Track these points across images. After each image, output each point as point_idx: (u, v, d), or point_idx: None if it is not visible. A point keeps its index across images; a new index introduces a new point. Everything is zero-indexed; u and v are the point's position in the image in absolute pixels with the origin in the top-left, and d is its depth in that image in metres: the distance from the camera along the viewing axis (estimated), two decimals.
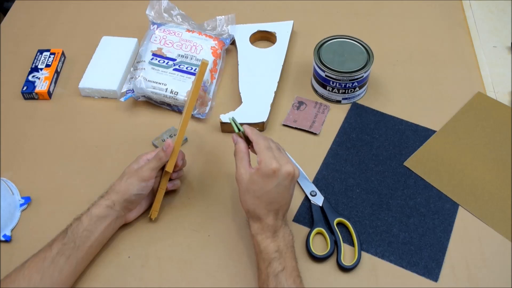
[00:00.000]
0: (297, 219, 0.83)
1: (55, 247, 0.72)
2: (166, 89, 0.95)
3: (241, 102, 0.96)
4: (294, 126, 0.95)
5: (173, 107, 0.97)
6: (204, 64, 0.76)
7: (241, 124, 0.77)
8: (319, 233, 0.81)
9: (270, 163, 0.70)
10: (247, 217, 0.75)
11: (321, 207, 0.84)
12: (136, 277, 0.77)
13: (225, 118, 0.93)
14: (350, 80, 0.95)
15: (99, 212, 0.76)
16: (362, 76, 0.95)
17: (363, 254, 0.79)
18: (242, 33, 1.08)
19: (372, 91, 1.01)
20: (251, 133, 0.74)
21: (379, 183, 0.87)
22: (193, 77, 0.97)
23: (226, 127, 0.93)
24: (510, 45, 1.09)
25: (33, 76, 1.01)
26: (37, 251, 0.73)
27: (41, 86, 1.00)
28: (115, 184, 0.79)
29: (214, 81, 1.01)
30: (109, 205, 0.77)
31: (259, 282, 0.72)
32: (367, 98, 1.00)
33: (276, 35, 1.08)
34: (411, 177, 0.88)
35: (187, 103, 0.80)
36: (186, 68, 0.99)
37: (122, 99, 0.96)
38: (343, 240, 0.80)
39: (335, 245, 0.79)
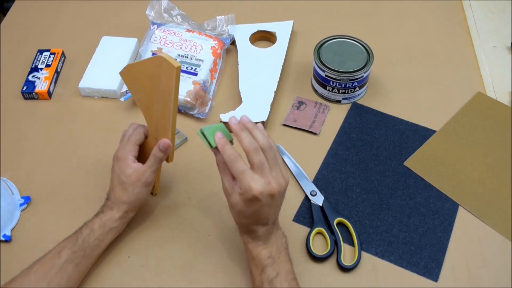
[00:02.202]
0: (297, 219, 0.83)
1: (64, 255, 0.71)
2: None
3: (241, 102, 0.96)
4: (294, 126, 0.95)
5: None
6: (178, 68, 0.70)
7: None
8: (319, 233, 0.81)
9: (250, 189, 0.65)
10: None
11: (321, 207, 0.84)
12: (136, 277, 0.77)
13: (225, 117, 0.93)
14: (350, 80, 0.95)
15: (112, 224, 0.76)
16: (362, 76, 0.95)
17: (363, 254, 0.79)
18: (242, 33, 1.08)
19: (372, 91, 1.01)
20: (222, 151, 0.68)
21: (379, 183, 0.87)
22: (193, 77, 0.97)
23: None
24: (510, 45, 1.09)
25: (33, 76, 1.01)
26: (45, 255, 0.72)
27: (41, 86, 1.00)
28: (120, 195, 0.76)
29: (214, 81, 1.01)
30: (122, 216, 0.77)
31: (253, 287, 0.71)
32: (367, 98, 1.00)
33: (276, 35, 1.08)
34: (411, 177, 0.88)
35: (169, 102, 0.74)
36: (186, 68, 0.99)
37: (122, 99, 0.96)
38: (343, 240, 0.80)
39: (335, 245, 0.79)
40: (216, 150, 0.70)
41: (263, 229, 0.70)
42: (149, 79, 0.74)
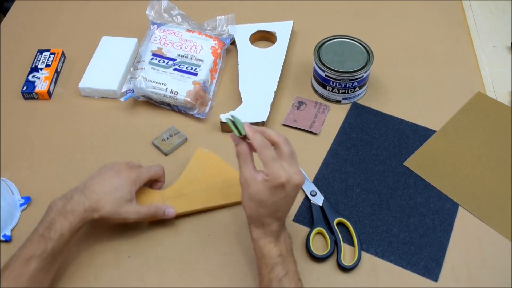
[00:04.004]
0: (297, 219, 0.83)
1: (33, 263, 0.68)
2: (166, 89, 0.95)
3: (241, 102, 0.96)
4: (294, 126, 0.95)
5: (173, 107, 0.97)
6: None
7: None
8: (319, 233, 0.81)
9: (279, 175, 0.66)
10: (248, 221, 0.73)
11: (321, 207, 0.84)
12: (136, 277, 0.77)
13: (225, 118, 0.93)
14: (350, 80, 0.95)
15: (82, 226, 0.73)
16: (362, 76, 0.95)
17: (363, 254, 0.79)
18: (242, 33, 1.08)
19: (372, 91, 1.01)
20: (253, 138, 0.68)
21: (379, 183, 0.87)
22: (193, 77, 0.97)
23: (226, 127, 0.93)
24: (510, 45, 1.09)
25: (33, 76, 1.01)
26: (9, 264, 0.68)
27: (41, 86, 1.00)
28: (103, 208, 0.74)
29: (214, 81, 1.01)
30: (91, 220, 0.74)
31: (260, 286, 0.71)
32: (367, 98, 1.00)
33: (276, 35, 1.08)
34: (411, 177, 0.88)
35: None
36: (186, 68, 0.99)
37: (122, 99, 0.96)
38: (343, 240, 0.80)
39: (335, 245, 0.79)
40: (240, 139, 0.70)
41: (277, 224, 0.70)
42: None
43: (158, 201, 0.81)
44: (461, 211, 0.84)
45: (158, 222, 0.82)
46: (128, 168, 0.78)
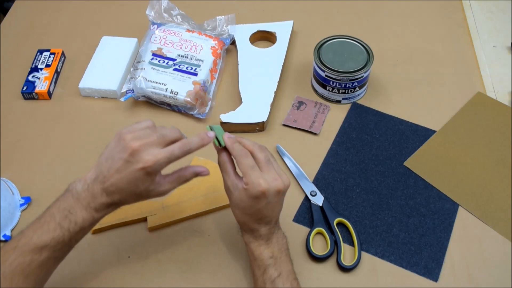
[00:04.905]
0: (297, 219, 0.83)
1: (45, 252, 0.64)
2: (166, 89, 0.95)
3: (241, 102, 0.96)
4: (294, 126, 0.95)
5: (173, 107, 0.97)
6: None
7: (225, 125, 0.72)
8: (319, 233, 0.81)
9: (258, 184, 0.65)
10: (239, 225, 0.73)
11: (321, 207, 0.84)
12: (136, 277, 0.77)
13: (225, 118, 0.93)
14: (350, 80, 0.95)
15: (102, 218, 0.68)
16: (362, 76, 0.95)
17: (363, 254, 0.79)
18: (242, 33, 1.08)
19: (372, 91, 1.01)
20: (231, 148, 0.68)
21: (379, 183, 0.87)
22: (193, 77, 0.97)
23: (226, 127, 0.93)
24: (510, 45, 1.09)
25: (33, 76, 1.01)
26: (16, 245, 0.63)
27: (41, 86, 1.00)
28: (124, 200, 0.67)
29: (214, 81, 1.01)
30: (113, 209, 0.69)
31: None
32: (367, 98, 1.00)
33: (276, 35, 1.08)
34: (411, 177, 0.88)
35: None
36: (186, 68, 0.99)
37: (122, 99, 0.96)
38: (343, 240, 0.80)
39: (335, 245, 0.79)
40: (221, 149, 0.70)
41: (265, 228, 0.70)
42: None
43: (157, 210, 0.82)
44: (461, 211, 0.84)
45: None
46: (135, 156, 0.65)
